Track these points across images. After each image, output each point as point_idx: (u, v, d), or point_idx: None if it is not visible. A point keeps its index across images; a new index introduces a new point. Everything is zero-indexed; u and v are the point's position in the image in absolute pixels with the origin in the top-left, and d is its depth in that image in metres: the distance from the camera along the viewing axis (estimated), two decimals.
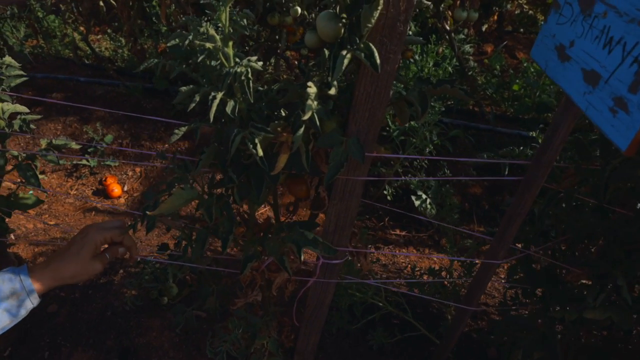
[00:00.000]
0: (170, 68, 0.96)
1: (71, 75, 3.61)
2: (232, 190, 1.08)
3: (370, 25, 0.80)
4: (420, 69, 3.57)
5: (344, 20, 0.89)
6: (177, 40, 0.87)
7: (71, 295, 1.79)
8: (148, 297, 1.76)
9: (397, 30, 0.82)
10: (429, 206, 2.62)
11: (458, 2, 3.25)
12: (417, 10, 3.88)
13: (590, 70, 0.81)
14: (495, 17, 4.92)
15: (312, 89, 0.84)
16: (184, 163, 1.14)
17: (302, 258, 0.99)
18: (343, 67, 0.83)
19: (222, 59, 0.86)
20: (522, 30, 4.91)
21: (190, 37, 0.83)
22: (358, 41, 0.83)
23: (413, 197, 2.62)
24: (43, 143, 1.53)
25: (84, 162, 3.03)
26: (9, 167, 1.52)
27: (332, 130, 0.96)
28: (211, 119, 0.88)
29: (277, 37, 3.08)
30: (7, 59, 1.39)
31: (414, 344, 1.72)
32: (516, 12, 4.86)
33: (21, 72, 1.42)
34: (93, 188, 2.92)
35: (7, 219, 2.39)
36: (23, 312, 0.84)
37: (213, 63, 0.87)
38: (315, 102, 0.85)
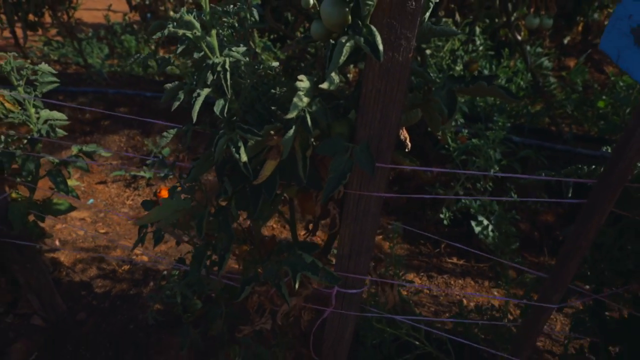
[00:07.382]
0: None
1: (139, 91, 3.79)
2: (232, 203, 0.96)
3: (371, 3, 0.64)
4: None
5: (351, 5, 0.74)
6: (160, 33, 0.77)
7: (101, 304, 1.78)
8: (173, 312, 1.68)
9: (408, 9, 0.66)
10: (490, 233, 2.33)
11: (532, 9, 2.95)
12: (487, 20, 3.61)
13: None
14: (580, 29, 4.47)
15: (303, 83, 0.70)
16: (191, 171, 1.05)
17: (297, 285, 0.83)
18: (342, 57, 0.69)
19: (205, 50, 0.75)
20: None
21: (170, 26, 0.73)
22: (361, 25, 0.68)
23: (473, 223, 2.35)
24: (74, 150, 1.53)
25: (142, 173, 3.12)
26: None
27: (336, 134, 0.81)
28: (194, 119, 0.77)
29: None
30: (43, 65, 1.42)
31: None
32: (605, 23, 4.38)
33: (54, 79, 1.43)
34: (147, 199, 2.98)
35: (58, 226, 2.49)
36: None
37: (196, 55, 0.76)
38: (307, 99, 0.70)
